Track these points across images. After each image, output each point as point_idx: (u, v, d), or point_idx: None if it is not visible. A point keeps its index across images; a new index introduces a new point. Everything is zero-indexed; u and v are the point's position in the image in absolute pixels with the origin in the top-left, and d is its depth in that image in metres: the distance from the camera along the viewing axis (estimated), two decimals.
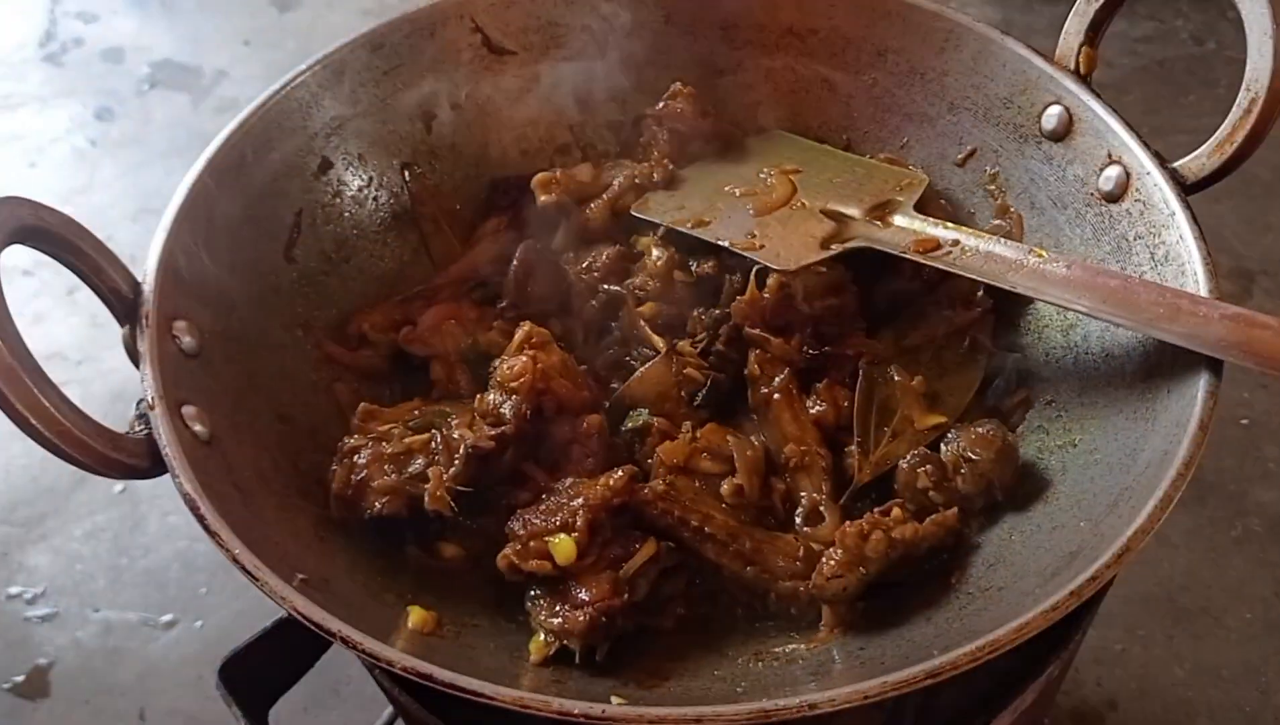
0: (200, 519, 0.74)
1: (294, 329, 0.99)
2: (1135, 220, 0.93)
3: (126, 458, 0.77)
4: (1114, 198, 0.95)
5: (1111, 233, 0.95)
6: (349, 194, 1.07)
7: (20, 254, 0.79)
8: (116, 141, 2.44)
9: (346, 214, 1.07)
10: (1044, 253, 0.90)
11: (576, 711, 0.64)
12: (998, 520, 0.89)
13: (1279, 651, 1.54)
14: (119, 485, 1.82)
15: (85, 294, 0.84)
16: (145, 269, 0.86)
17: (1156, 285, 0.85)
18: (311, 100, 1.04)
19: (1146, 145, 0.93)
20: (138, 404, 0.80)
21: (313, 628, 0.69)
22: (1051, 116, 1.00)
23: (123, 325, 0.84)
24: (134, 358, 0.82)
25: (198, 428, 0.81)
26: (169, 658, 1.64)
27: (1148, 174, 0.92)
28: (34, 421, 0.71)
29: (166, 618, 1.68)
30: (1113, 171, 0.95)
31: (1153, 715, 1.51)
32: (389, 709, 1.20)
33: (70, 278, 0.82)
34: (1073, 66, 1.00)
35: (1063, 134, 0.99)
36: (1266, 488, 1.71)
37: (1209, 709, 1.50)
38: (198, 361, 0.86)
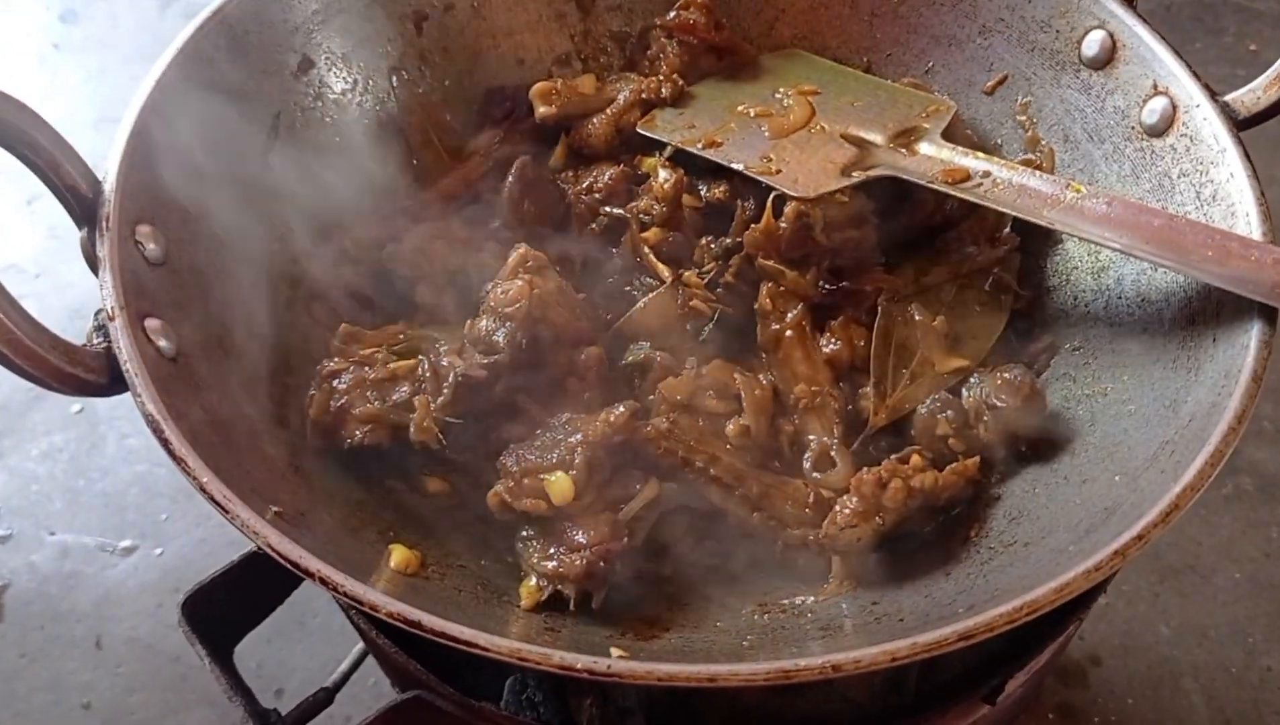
0: (164, 443, 0.68)
1: (269, 241, 0.93)
2: (1180, 156, 0.87)
3: (83, 372, 0.71)
4: (1157, 132, 0.89)
5: (1153, 169, 0.89)
6: (331, 97, 1.00)
7: None
8: (80, 46, 2.35)
9: (328, 119, 1.00)
10: (1081, 188, 0.85)
11: (580, 666, 0.59)
12: (1019, 471, 0.86)
13: (1267, 613, 1.52)
14: (76, 404, 1.76)
15: (45, 204, 0.78)
16: (107, 167, 0.79)
17: (1205, 226, 0.81)
18: None
19: (1197, 76, 0.88)
20: (96, 315, 0.74)
21: (289, 566, 0.64)
22: (1093, 42, 0.94)
23: (81, 228, 0.78)
24: (93, 264, 0.77)
25: (162, 343, 0.75)
26: (127, 584, 1.59)
27: (1196, 106, 0.87)
28: None
29: (125, 543, 1.63)
30: (1158, 103, 0.89)
31: (1136, 673, 1.49)
32: (359, 645, 1.15)
33: (30, 187, 0.77)
34: None
35: (1104, 62, 0.94)
36: (1260, 446, 1.68)
37: (1194, 668, 1.48)
38: (163, 271, 0.80)
